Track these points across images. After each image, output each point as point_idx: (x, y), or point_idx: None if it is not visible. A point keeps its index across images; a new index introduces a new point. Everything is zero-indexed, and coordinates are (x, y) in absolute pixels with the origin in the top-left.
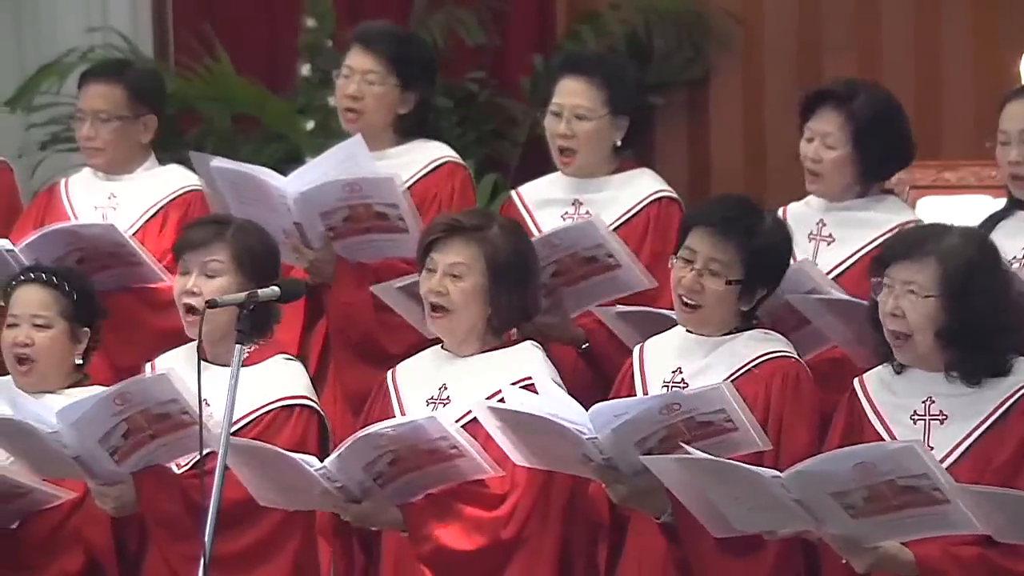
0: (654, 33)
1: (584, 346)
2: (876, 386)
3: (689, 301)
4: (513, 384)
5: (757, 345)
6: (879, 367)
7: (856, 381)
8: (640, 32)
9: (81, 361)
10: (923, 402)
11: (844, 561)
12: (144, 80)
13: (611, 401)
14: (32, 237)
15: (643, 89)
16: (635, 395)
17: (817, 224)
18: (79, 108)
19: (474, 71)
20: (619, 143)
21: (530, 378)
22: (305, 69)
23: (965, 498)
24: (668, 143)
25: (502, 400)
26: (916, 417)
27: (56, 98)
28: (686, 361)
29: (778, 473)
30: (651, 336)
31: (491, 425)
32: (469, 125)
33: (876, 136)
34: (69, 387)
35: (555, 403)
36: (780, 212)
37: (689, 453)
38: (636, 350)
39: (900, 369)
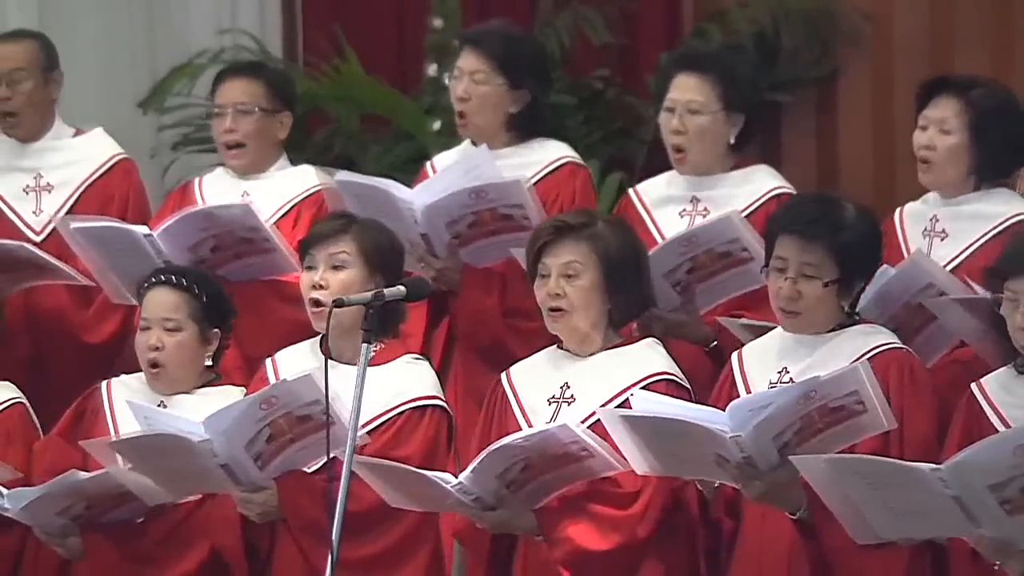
0: (782, 30)
1: (712, 345)
2: (995, 388)
3: (790, 309)
4: (641, 381)
5: (865, 339)
6: (998, 371)
7: (974, 385)
8: (768, 30)
9: (211, 362)
10: None
11: (996, 567)
12: (280, 78)
13: (747, 396)
14: (169, 222)
15: (759, 87)
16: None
17: (931, 220)
18: (218, 104)
19: (600, 69)
20: (733, 140)
21: (660, 374)
22: (432, 69)
23: None
24: (796, 142)
25: (626, 403)
26: None
27: (187, 99)
28: (791, 361)
29: (937, 466)
30: None
31: (618, 432)
32: (595, 124)
33: (993, 128)
34: (201, 387)
35: (682, 405)
36: (897, 214)
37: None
38: (734, 356)
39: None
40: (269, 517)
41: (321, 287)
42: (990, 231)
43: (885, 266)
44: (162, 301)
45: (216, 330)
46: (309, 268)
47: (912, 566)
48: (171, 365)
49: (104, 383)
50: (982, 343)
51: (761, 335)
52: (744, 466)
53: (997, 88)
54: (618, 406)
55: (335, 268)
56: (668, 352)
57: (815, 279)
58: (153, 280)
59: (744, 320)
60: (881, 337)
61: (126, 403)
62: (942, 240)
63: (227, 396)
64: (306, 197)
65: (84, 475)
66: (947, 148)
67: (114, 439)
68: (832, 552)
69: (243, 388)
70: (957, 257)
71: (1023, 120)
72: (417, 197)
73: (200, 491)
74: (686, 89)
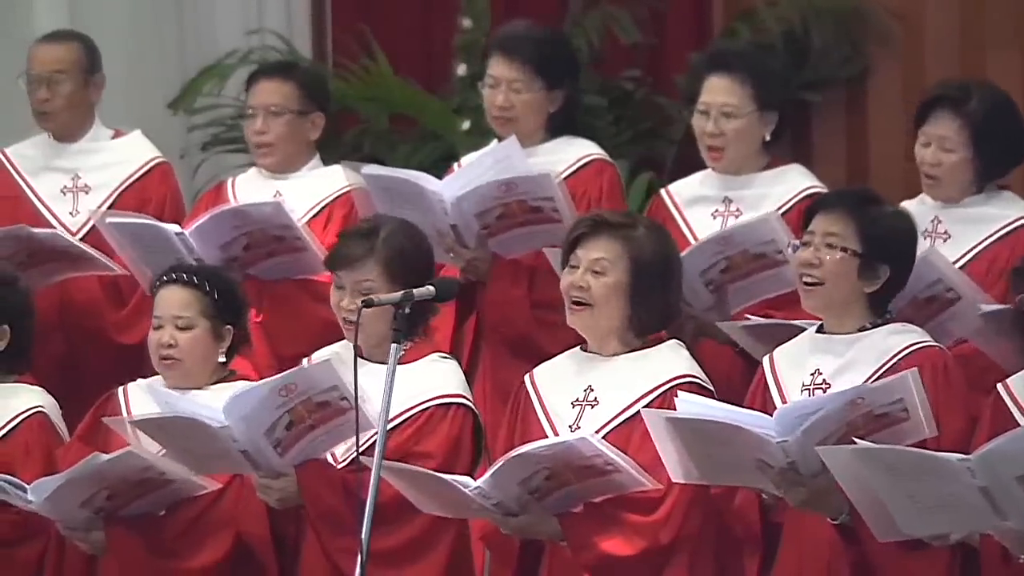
0: (812, 30)
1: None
2: (1021, 389)
3: (808, 278)
4: (664, 384)
5: (899, 338)
6: (1023, 371)
7: (1000, 386)
8: (798, 29)
9: (225, 359)
10: None
11: (1021, 559)
12: (313, 79)
13: (794, 402)
14: (201, 220)
15: (789, 82)
16: (773, 404)
17: (932, 221)
18: (249, 105)
19: (630, 69)
20: (768, 138)
21: (683, 376)
22: (461, 69)
23: None
24: (826, 141)
25: (650, 407)
26: None
27: (217, 100)
28: (823, 361)
29: (966, 456)
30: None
31: (661, 435)
32: (624, 124)
33: (993, 137)
34: (215, 383)
35: (728, 409)
36: None
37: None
38: (766, 360)
39: None
40: (288, 504)
41: (351, 311)
42: (994, 234)
43: None
44: (173, 298)
45: (229, 327)
46: (338, 287)
47: (953, 567)
48: (186, 361)
49: (120, 388)
50: (995, 347)
51: (769, 338)
52: (787, 472)
53: (990, 92)
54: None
55: (362, 294)
56: (692, 355)
57: (836, 248)
58: (164, 278)
59: (744, 322)
60: (914, 336)
61: (148, 387)
62: (944, 242)
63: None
64: (337, 197)
65: (105, 456)
66: (951, 165)
67: (136, 417)
68: (874, 554)
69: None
70: (960, 259)
71: (1018, 118)
72: (446, 188)
73: (222, 471)
74: (719, 91)
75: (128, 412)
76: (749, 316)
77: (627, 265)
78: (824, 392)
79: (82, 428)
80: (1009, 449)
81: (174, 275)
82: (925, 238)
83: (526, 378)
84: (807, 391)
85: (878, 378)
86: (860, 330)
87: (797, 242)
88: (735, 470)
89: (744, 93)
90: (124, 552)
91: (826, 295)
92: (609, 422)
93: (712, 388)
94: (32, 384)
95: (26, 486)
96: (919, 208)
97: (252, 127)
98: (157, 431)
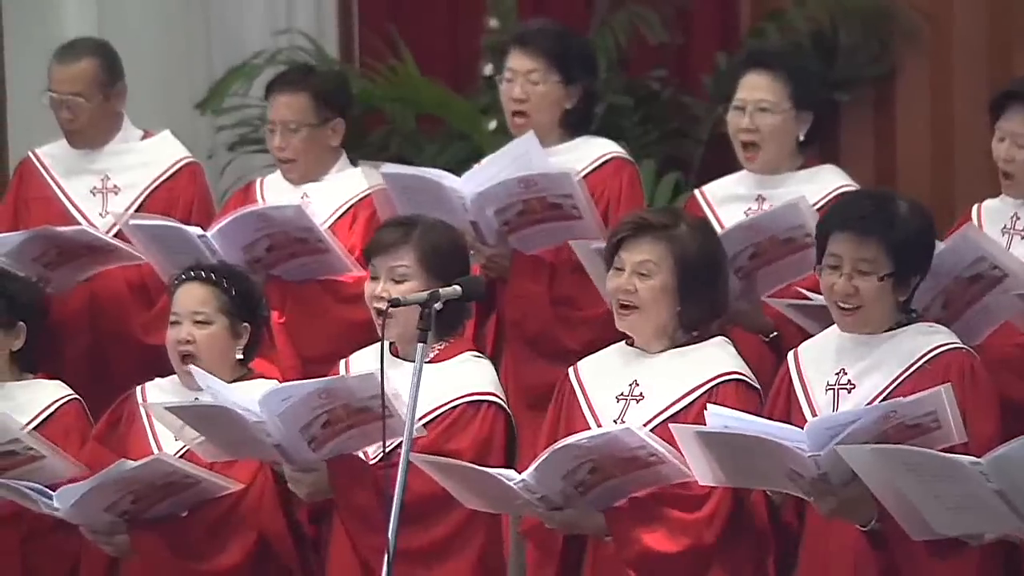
0: (839, 29)
1: (772, 335)
2: None
3: (846, 305)
4: (711, 380)
5: (925, 339)
6: None
7: None
8: (825, 28)
9: (243, 356)
10: None
11: None
12: (329, 85)
13: (826, 416)
14: (223, 222)
15: (826, 85)
16: (797, 402)
17: (1011, 218)
18: (270, 120)
19: (657, 69)
20: (802, 138)
21: (730, 373)
22: (488, 69)
23: None
24: (854, 140)
25: (696, 403)
26: None
27: (244, 100)
28: (849, 362)
29: (978, 460)
30: (825, 325)
31: (687, 445)
32: (651, 124)
33: None
34: (233, 381)
35: (757, 422)
36: (975, 209)
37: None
38: (790, 356)
39: None
40: (318, 497)
41: (383, 299)
42: None
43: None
44: (191, 295)
45: (246, 324)
46: (374, 278)
47: (983, 571)
48: (203, 358)
49: (138, 388)
50: None
51: (817, 316)
52: (818, 482)
53: None
54: (687, 405)
55: (396, 281)
56: (738, 352)
57: (870, 275)
58: (183, 276)
59: (791, 300)
60: (940, 337)
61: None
62: (1023, 239)
63: (260, 390)
64: (362, 199)
65: (131, 464)
66: None
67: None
68: (902, 559)
69: (276, 381)
70: None
71: None
72: (466, 185)
73: (255, 457)
74: (756, 88)
75: (147, 413)
76: (803, 290)
77: (672, 265)
78: (849, 392)
79: (99, 429)
80: (1018, 455)
81: (192, 273)
82: (1004, 234)
83: (570, 371)
84: (832, 391)
85: (904, 380)
86: (887, 329)
87: (820, 264)
88: (763, 476)
89: (781, 91)
90: (150, 555)
91: (865, 317)
92: (654, 417)
93: (758, 386)
94: (50, 379)
95: (52, 493)
96: (999, 205)
97: (272, 141)
98: (192, 417)
